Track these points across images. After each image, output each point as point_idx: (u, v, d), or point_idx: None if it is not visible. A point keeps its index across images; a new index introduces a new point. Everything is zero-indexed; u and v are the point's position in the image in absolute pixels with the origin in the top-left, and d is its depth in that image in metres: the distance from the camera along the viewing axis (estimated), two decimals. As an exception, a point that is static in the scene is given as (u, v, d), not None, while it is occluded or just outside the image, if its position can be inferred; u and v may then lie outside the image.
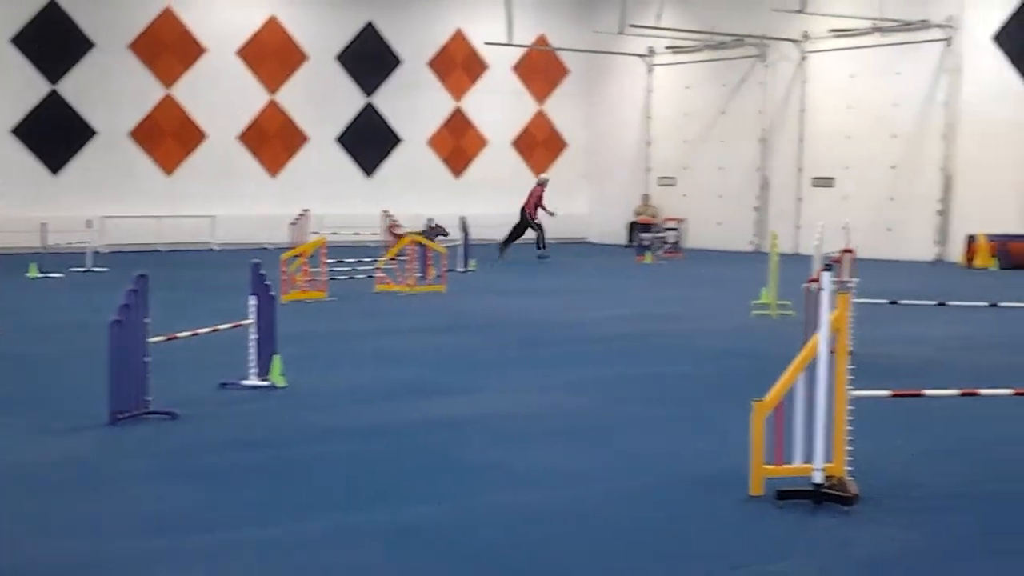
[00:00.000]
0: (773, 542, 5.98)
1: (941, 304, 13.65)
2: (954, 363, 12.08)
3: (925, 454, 7.96)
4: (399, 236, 27.49)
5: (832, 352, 6.54)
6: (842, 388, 6.58)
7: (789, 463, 6.72)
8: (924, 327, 14.72)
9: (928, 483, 7.17)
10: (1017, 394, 7.59)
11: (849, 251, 12.52)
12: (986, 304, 13.81)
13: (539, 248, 27.95)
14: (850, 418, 6.70)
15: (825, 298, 6.44)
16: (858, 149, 29.68)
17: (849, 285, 12.04)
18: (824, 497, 6.51)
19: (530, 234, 28.25)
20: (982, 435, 8.52)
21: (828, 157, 30.50)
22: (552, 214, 28.62)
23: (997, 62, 27.11)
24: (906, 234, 28.76)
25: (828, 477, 6.59)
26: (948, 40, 27.83)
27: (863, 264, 21.48)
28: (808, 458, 6.62)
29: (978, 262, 26.05)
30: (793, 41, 30.89)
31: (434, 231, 23.77)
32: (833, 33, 29.95)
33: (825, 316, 6.43)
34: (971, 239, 26.65)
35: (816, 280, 8.33)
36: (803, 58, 30.94)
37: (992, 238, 26.15)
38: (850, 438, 6.72)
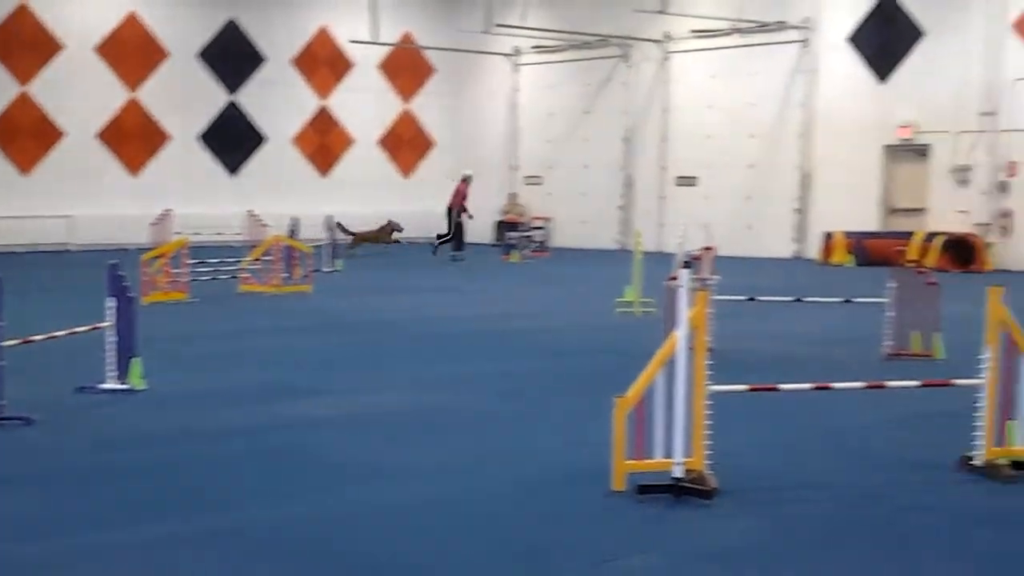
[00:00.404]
0: (634, 536, 6.07)
1: (798, 300, 14.00)
2: (810, 357, 12.38)
3: (777, 446, 8.16)
4: (353, 234, 27.47)
5: (691, 348, 6.66)
6: (701, 383, 6.71)
7: (650, 458, 6.83)
8: (782, 323, 15.07)
9: (784, 475, 7.35)
10: (868, 387, 7.83)
11: (709, 249, 12.75)
12: (841, 300, 14.17)
13: (446, 246, 27.66)
14: (709, 413, 6.83)
15: (683, 295, 6.56)
16: (719, 148, 30.26)
17: (709, 283, 12.31)
18: (684, 491, 6.63)
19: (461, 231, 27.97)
20: (835, 427, 8.77)
21: (690, 156, 31.02)
22: (470, 217, 28.11)
23: (852, 63, 27.88)
24: (766, 232, 29.41)
25: (688, 471, 6.71)
26: (805, 41, 28.53)
27: (725, 261, 21.90)
28: (668, 453, 6.73)
29: (835, 259, 26.77)
30: (655, 42, 31.35)
31: (390, 227, 23.94)
32: (694, 34, 30.46)
33: (684, 313, 6.55)
34: (828, 236, 27.36)
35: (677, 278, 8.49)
36: (665, 58, 31.42)
37: (849, 235, 26.89)
38: (709, 432, 6.85)
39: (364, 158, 34.83)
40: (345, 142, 34.54)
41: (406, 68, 35.47)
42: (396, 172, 35.73)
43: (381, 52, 34.32)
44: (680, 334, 6.54)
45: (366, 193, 33.82)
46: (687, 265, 6.67)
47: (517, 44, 34.17)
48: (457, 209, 27.69)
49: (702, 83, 30.64)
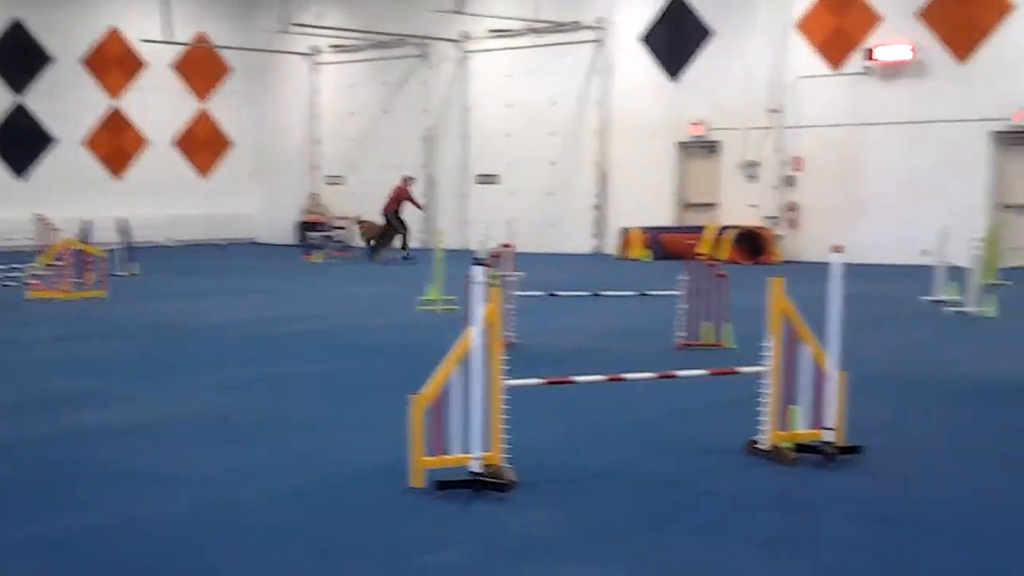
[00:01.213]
0: (432, 532, 6.10)
1: (595, 295, 14.28)
2: (607, 350, 12.65)
3: (575, 438, 8.32)
4: (362, 222, 26.73)
5: (487, 343, 6.73)
6: (497, 378, 6.79)
7: (448, 454, 6.87)
8: (581, 317, 15.35)
9: (580, 466, 7.49)
10: (660, 377, 8.05)
11: (508, 246, 12.89)
12: (636, 293, 14.51)
13: (403, 248, 27.20)
14: (506, 407, 6.92)
15: (478, 291, 6.62)
16: (519, 146, 30.61)
17: (509, 279, 12.47)
18: (482, 485, 6.69)
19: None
20: (630, 417, 8.98)
21: (492, 155, 31.30)
22: (420, 207, 27.85)
23: (645, 62, 28.55)
24: (566, 228, 29.90)
25: (486, 465, 6.78)
26: (599, 41, 29.09)
27: (528, 258, 22.20)
28: (466, 448, 6.79)
29: (633, 253, 27.38)
30: (453, 41, 31.51)
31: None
32: (491, 34, 30.74)
33: (479, 309, 6.61)
34: (626, 231, 27.97)
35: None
36: (464, 58, 31.62)
37: (645, 230, 27.55)
38: (507, 426, 6.94)
39: (159, 159, 34.03)
40: (139, 143, 33.68)
41: (202, 68, 34.78)
42: (194, 173, 35.00)
43: (175, 52, 33.58)
44: (475, 330, 6.61)
45: (162, 195, 33.09)
46: (481, 262, 6.73)
47: (315, 43, 33.88)
48: (392, 211, 27.26)
49: (501, 82, 30.95)
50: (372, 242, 27.62)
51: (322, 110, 34.76)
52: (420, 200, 28.03)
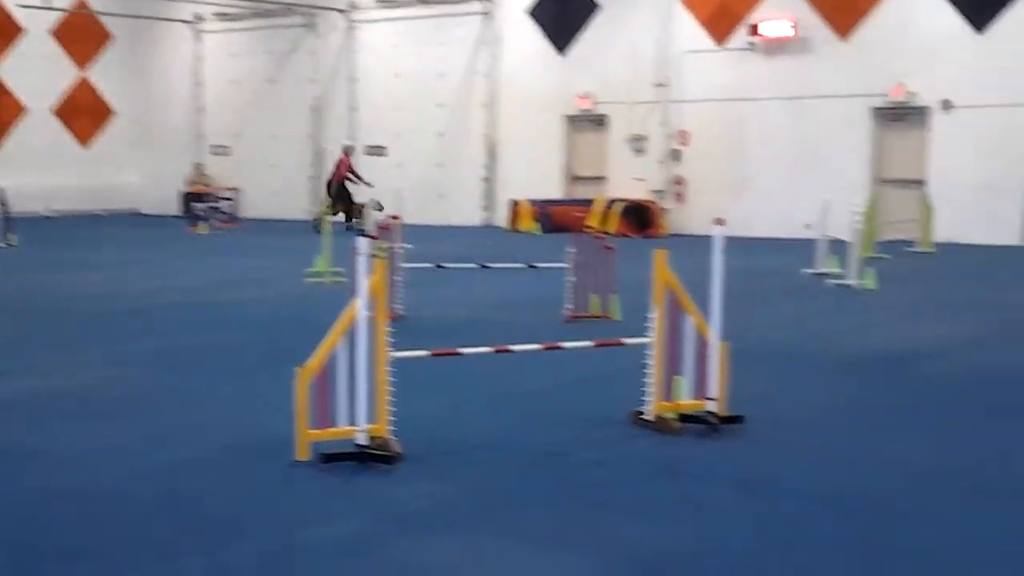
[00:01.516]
0: (317, 506, 6.06)
1: (483, 267, 14.29)
2: (496, 322, 12.68)
3: (462, 410, 8.32)
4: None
5: (372, 315, 6.69)
6: (382, 350, 6.76)
7: (334, 427, 6.83)
8: (471, 289, 15.35)
9: (466, 438, 7.49)
10: (546, 348, 8.08)
11: (396, 217, 12.82)
12: (524, 266, 14.55)
13: (348, 221, 26.57)
14: (392, 379, 6.89)
15: (362, 263, 6.58)
16: (408, 118, 30.46)
17: (397, 251, 12.41)
18: (368, 458, 6.66)
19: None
20: (517, 389, 9.01)
21: (380, 125, 31.11)
22: (370, 185, 26.97)
23: (532, 35, 28.58)
24: (456, 200, 29.87)
25: (372, 438, 6.75)
26: (487, 13, 29.02)
27: (417, 230, 22.12)
28: (352, 420, 6.75)
29: (522, 226, 27.45)
30: (340, 11, 31.19)
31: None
32: (379, 3, 30.51)
33: (363, 281, 6.57)
34: (515, 204, 28.02)
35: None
36: (351, 27, 31.32)
37: (534, 203, 27.63)
38: (393, 399, 6.92)
39: (38, 128, 33.19)
40: (17, 111, 32.82)
41: (82, 34, 33.96)
42: (74, 142, 34.21)
43: (54, 17, 32.73)
44: (360, 302, 6.57)
45: (41, 164, 32.28)
46: (365, 233, 6.68)
47: (198, 11, 33.29)
48: (338, 182, 26.77)
49: (389, 52, 30.74)
50: (348, 220, 27.04)
51: (206, 79, 34.21)
52: (361, 173, 27.59)
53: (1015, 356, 10.81)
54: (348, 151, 27.60)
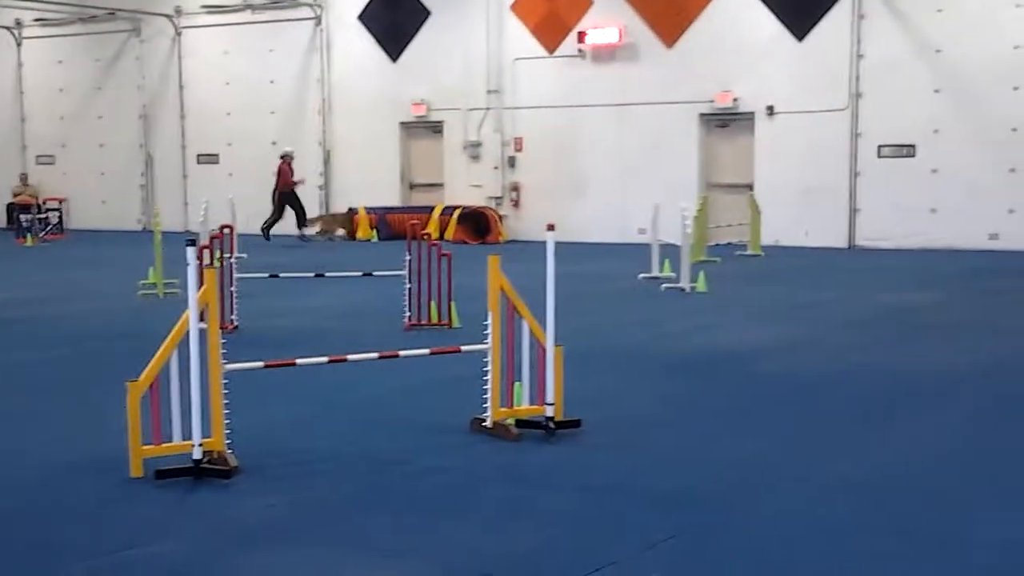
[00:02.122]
0: (152, 522, 5.93)
1: (319, 275, 14.18)
2: (335, 331, 12.59)
3: (299, 421, 8.25)
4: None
5: (205, 327, 6.59)
6: (216, 362, 6.66)
7: (169, 441, 6.71)
8: (309, 299, 15.22)
9: (305, 449, 7.43)
10: (382, 357, 8.07)
11: (229, 227, 12.63)
12: (361, 274, 14.47)
13: (300, 228, 26.05)
14: (227, 392, 6.80)
15: (192, 274, 6.47)
16: (240, 125, 30.03)
17: (230, 261, 12.23)
18: (204, 472, 6.57)
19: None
20: (356, 398, 8.98)
21: (211, 133, 30.61)
22: (298, 183, 26.44)
23: (365, 41, 28.47)
24: (290, 209, 29.49)
25: (207, 452, 6.65)
26: (318, 19, 28.83)
27: (252, 239, 21.84)
28: (187, 435, 6.64)
29: (360, 234, 27.30)
30: (167, 16, 30.61)
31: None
32: (206, 9, 30.04)
33: (193, 292, 6.47)
34: (351, 211, 27.85)
35: (200, 257, 8.33)
36: (178, 33, 30.76)
37: (371, 210, 27.50)
38: (228, 411, 6.82)
39: None
40: None
41: None
42: None
43: None
44: (191, 313, 6.46)
45: None
46: (194, 243, 6.57)
47: (18, 16, 32.28)
48: (281, 190, 26.03)
49: (218, 59, 30.27)
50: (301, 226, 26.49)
51: (29, 87, 33.17)
52: (297, 179, 26.88)
53: (834, 356, 11.19)
54: (287, 157, 26.76)
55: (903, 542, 5.60)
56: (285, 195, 26.61)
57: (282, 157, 26.84)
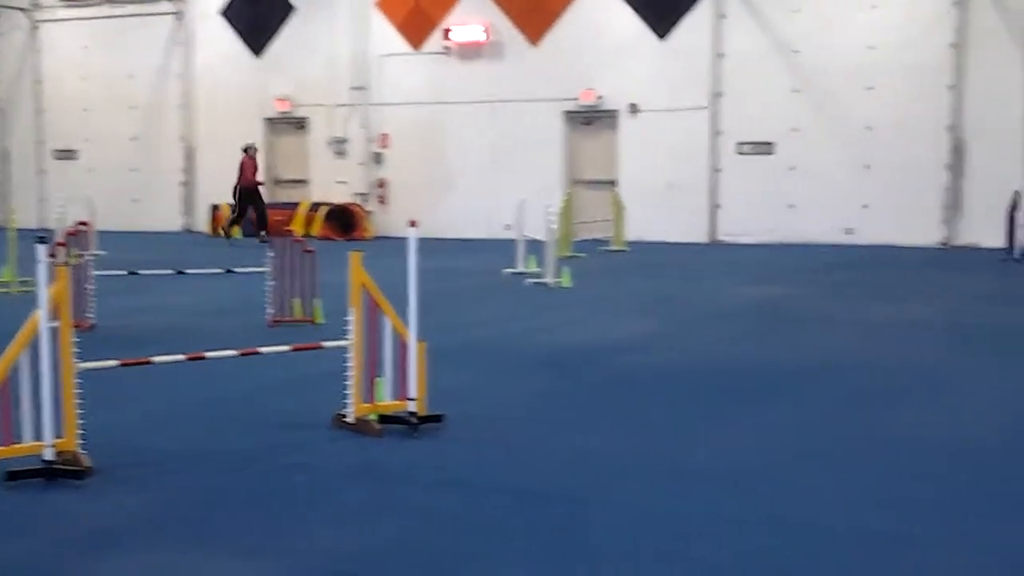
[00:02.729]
0: (2, 524, 5.78)
1: (179, 272, 13.95)
2: (197, 329, 12.39)
3: (156, 420, 8.11)
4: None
5: (56, 325, 6.44)
6: (68, 361, 6.51)
7: (20, 442, 6.53)
8: (170, 296, 14.95)
9: (161, 448, 7.30)
10: (242, 354, 7.97)
11: (85, 223, 12.35)
12: (223, 271, 14.29)
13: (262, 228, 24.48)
14: (81, 391, 6.65)
15: (43, 271, 6.32)
16: (98, 121, 29.40)
17: (87, 258, 11.96)
18: (56, 473, 6.41)
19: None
20: (215, 396, 8.85)
21: (69, 129, 29.92)
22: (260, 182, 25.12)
23: (227, 36, 28.09)
24: (153, 205, 29.04)
25: (60, 453, 6.49)
26: (179, 13, 28.34)
27: (112, 236, 21.39)
28: (38, 435, 6.48)
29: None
30: (22, 10, 29.80)
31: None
32: (64, 3, 29.32)
33: (44, 290, 6.31)
34: (215, 208, 27.47)
35: (54, 255, 8.16)
36: (35, 27, 29.97)
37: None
38: (82, 411, 6.67)
39: None
40: None
41: None
42: None
43: None
44: (41, 312, 6.30)
45: None
46: (45, 240, 6.41)
47: None
48: (243, 186, 24.35)
49: (76, 54, 29.59)
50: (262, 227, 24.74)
51: None
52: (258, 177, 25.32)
53: (696, 349, 11.39)
54: (250, 150, 24.91)
55: (763, 531, 5.73)
56: (246, 192, 24.94)
57: (244, 150, 25.00)
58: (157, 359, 7.64)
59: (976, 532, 5.69)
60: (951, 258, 20.86)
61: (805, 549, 5.47)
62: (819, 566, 5.24)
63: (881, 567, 5.22)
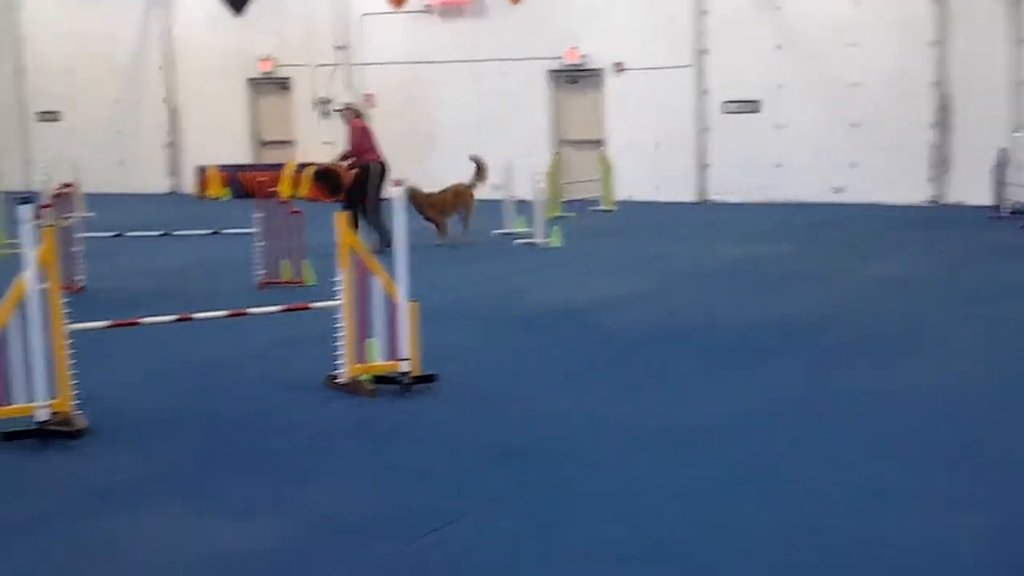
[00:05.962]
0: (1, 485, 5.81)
1: (166, 234, 13.88)
2: (186, 290, 12.36)
3: (149, 381, 8.10)
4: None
5: (45, 287, 6.43)
6: (58, 323, 6.50)
7: (13, 403, 6.53)
8: (160, 258, 14.89)
9: (154, 409, 7.31)
10: (230, 315, 7.96)
11: (70, 186, 12.29)
12: (211, 232, 14.24)
13: None
14: (72, 352, 6.64)
15: (28, 233, 6.29)
16: (81, 82, 29.18)
17: (74, 220, 11.92)
18: (50, 434, 6.42)
19: None
20: (207, 357, 8.85)
21: (52, 90, 29.70)
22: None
23: (206, -5, 27.86)
24: (139, 167, 28.85)
25: (53, 413, 6.50)
26: (158, -29, 28.14)
27: (99, 198, 21.28)
28: (31, 396, 6.48)
29: (211, 192, 26.79)
30: (2, -33, 29.56)
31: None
32: (45, -38, 29.10)
33: (31, 252, 6.29)
34: (202, 170, 27.33)
35: (39, 216, 8.10)
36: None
37: (222, 168, 27.01)
38: (74, 372, 6.67)
39: None
40: None
41: None
42: None
43: None
44: (29, 273, 6.28)
45: None
46: (28, 201, 6.38)
47: None
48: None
49: (55, 13, 29.32)
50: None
51: None
52: None
53: (684, 307, 11.41)
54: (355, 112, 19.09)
55: (748, 484, 5.76)
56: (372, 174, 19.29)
57: (346, 110, 18.74)
58: (147, 320, 7.63)
59: (948, 488, 5.74)
60: (940, 216, 20.89)
61: (795, 507, 5.50)
62: (806, 523, 5.28)
63: (868, 523, 5.26)
